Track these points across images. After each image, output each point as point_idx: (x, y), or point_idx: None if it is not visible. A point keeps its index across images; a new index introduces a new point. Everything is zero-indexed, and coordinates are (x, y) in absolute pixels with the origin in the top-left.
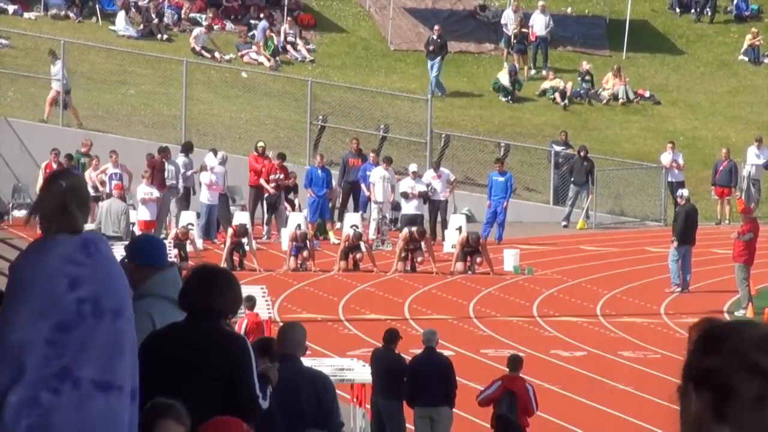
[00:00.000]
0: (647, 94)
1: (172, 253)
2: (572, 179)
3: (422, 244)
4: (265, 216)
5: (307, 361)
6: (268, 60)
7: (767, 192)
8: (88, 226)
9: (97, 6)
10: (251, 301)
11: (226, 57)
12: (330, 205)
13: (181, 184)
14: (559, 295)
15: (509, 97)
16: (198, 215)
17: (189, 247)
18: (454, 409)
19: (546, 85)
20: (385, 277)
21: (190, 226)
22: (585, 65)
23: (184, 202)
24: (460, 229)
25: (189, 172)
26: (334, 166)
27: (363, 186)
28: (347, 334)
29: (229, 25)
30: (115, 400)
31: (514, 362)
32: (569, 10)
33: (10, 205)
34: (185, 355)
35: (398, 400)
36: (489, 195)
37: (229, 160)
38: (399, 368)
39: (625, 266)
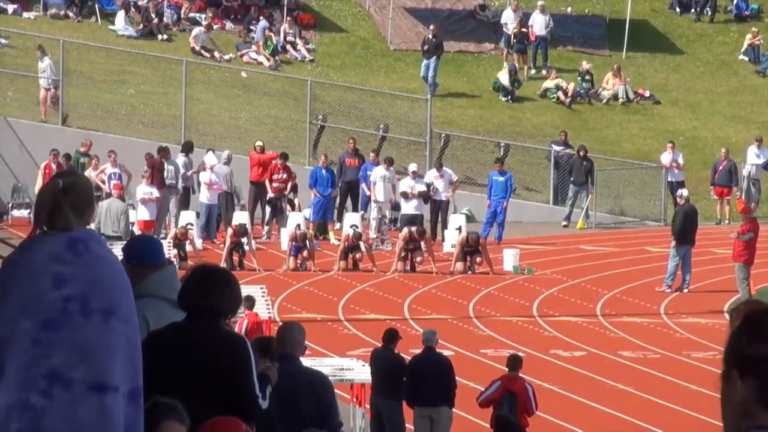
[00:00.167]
0: (647, 93)
1: (172, 253)
2: (572, 179)
3: (422, 244)
4: (266, 216)
5: (306, 361)
6: (268, 60)
7: (767, 192)
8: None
9: (96, 5)
10: (250, 301)
11: (226, 57)
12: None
13: (180, 184)
14: (558, 295)
15: (509, 97)
16: (197, 215)
17: (188, 247)
18: (453, 409)
19: (549, 84)
20: (385, 277)
21: (189, 226)
22: (585, 65)
23: (184, 202)
24: (459, 229)
25: (189, 172)
26: (332, 165)
27: (364, 186)
28: (347, 334)
29: (228, 25)
30: (110, 402)
31: (514, 362)
32: (569, 9)
33: (10, 205)
34: (185, 355)
35: (398, 400)
36: (489, 195)
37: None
38: (398, 368)
39: (625, 266)
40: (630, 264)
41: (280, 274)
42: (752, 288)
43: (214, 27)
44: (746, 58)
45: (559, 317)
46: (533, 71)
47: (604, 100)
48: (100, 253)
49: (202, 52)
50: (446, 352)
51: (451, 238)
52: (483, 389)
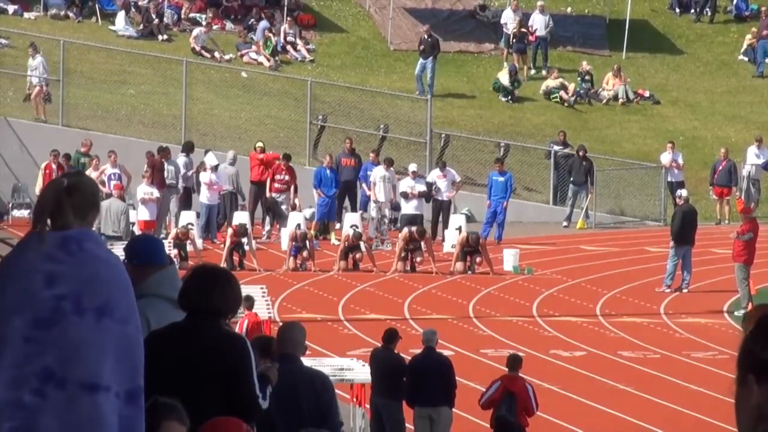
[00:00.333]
0: (647, 93)
1: (173, 253)
2: (571, 179)
3: (422, 244)
4: (267, 217)
5: (306, 361)
6: (268, 60)
7: (767, 192)
8: None
9: (96, 6)
10: (249, 301)
11: (226, 57)
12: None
13: (181, 184)
14: (558, 295)
15: (509, 97)
16: (198, 215)
17: (189, 247)
18: (453, 409)
19: (551, 83)
20: (385, 277)
21: (190, 226)
22: (585, 65)
23: (186, 202)
24: (459, 229)
25: (189, 172)
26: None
27: (364, 185)
28: (347, 334)
29: (228, 25)
30: (102, 401)
31: (514, 362)
32: (569, 9)
33: (10, 205)
34: (185, 355)
35: (398, 400)
36: (489, 195)
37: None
38: (398, 368)
39: (625, 266)
40: (630, 264)
41: (280, 274)
42: (752, 288)
43: (214, 27)
44: (746, 59)
45: (559, 317)
46: (533, 71)
47: (604, 100)
48: (96, 253)
49: (203, 52)
50: (446, 352)
51: (451, 238)
52: (484, 391)
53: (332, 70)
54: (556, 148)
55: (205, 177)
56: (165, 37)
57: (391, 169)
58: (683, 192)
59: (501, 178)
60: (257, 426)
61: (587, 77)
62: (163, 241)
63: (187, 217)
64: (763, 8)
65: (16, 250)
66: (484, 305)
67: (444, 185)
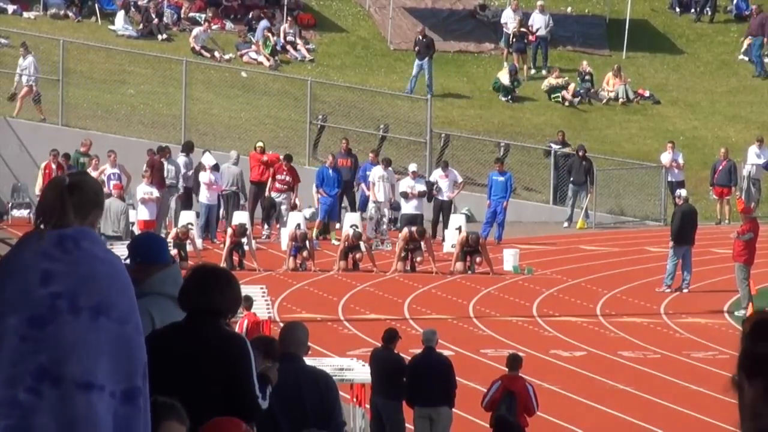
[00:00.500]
0: (647, 93)
1: (172, 253)
2: (571, 179)
3: (422, 244)
4: (268, 218)
5: (307, 361)
6: (268, 60)
7: (767, 192)
8: None
9: (96, 5)
10: (248, 301)
11: (226, 57)
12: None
13: (181, 184)
14: (558, 295)
15: (509, 97)
16: (197, 215)
17: (189, 247)
18: (453, 409)
19: (553, 82)
20: (385, 277)
21: (189, 226)
22: (585, 65)
23: (185, 202)
24: (459, 229)
25: (189, 172)
26: None
27: (363, 186)
28: (347, 334)
29: (228, 25)
30: (96, 401)
31: (514, 361)
32: (569, 9)
33: (10, 205)
34: (185, 355)
35: (398, 400)
36: (489, 195)
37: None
38: (398, 368)
39: (625, 266)
40: (630, 264)
41: (280, 274)
42: (752, 288)
43: (214, 27)
44: (746, 58)
45: (559, 317)
46: (533, 71)
47: (604, 100)
48: (93, 252)
49: (202, 52)
50: (446, 352)
51: (451, 238)
52: (485, 392)
53: (332, 69)
54: (555, 147)
55: (204, 177)
56: (165, 36)
57: (390, 168)
58: (682, 192)
59: (501, 178)
60: (260, 426)
61: (587, 77)
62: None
63: (187, 217)
64: (753, 7)
65: (15, 249)
66: (484, 305)
67: (446, 185)
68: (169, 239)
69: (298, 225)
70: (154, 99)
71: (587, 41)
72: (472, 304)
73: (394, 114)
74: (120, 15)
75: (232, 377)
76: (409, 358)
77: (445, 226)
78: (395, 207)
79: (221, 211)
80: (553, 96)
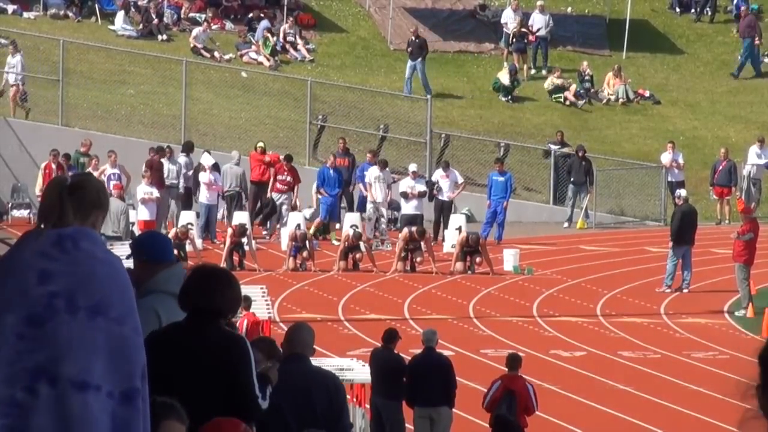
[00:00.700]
0: (647, 93)
1: None
2: (571, 179)
3: (422, 244)
4: (266, 218)
5: None
6: (268, 60)
7: (767, 192)
8: None
9: (96, 6)
10: (247, 301)
11: (226, 57)
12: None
13: (182, 184)
14: (558, 295)
15: (509, 97)
16: (197, 215)
17: (189, 247)
18: (453, 409)
19: (557, 81)
20: (385, 277)
21: (189, 226)
22: (585, 65)
23: (186, 202)
24: (459, 229)
25: (189, 173)
26: None
27: (361, 186)
28: (347, 334)
29: (228, 25)
30: (92, 400)
31: (513, 361)
32: (569, 9)
33: (9, 205)
34: (185, 355)
35: (398, 400)
36: (489, 195)
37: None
38: (398, 368)
39: (625, 266)
40: (630, 264)
41: (280, 274)
42: (752, 288)
43: (214, 27)
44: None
45: (559, 317)
46: (533, 71)
47: (604, 100)
48: (91, 252)
49: (202, 52)
50: (446, 352)
51: (451, 238)
52: (485, 392)
53: (332, 70)
54: (554, 148)
55: (204, 177)
56: (164, 37)
57: (387, 169)
58: (682, 192)
59: (501, 178)
60: (269, 427)
61: (587, 77)
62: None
63: (187, 217)
64: (743, 8)
65: (14, 248)
66: (484, 305)
67: (446, 185)
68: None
69: (298, 225)
70: (154, 99)
71: (587, 41)
72: (472, 304)
73: (394, 114)
74: (120, 15)
75: (232, 377)
76: (409, 358)
77: (445, 226)
78: (395, 207)
79: (222, 211)
80: (555, 96)
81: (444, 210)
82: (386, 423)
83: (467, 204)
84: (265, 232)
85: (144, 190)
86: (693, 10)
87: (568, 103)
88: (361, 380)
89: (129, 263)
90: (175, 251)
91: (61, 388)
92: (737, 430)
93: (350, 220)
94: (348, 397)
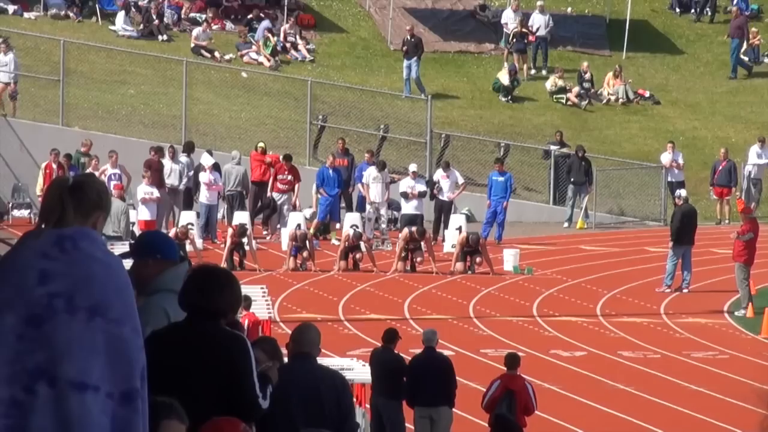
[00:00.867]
0: (647, 94)
1: None
2: (571, 179)
3: (422, 244)
4: (265, 212)
5: None
6: (268, 60)
7: (767, 192)
8: None
9: (97, 6)
10: (247, 301)
11: (226, 57)
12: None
13: (184, 184)
14: (559, 295)
15: (509, 97)
16: (198, 215)
17: (189, 247)
18: (453, 409)
19: (560, 83)
20: (385, 277)
21: (189, 226)
22: (585, 65)
23: (186, 202)
24: (459, 229)
25: (190, 173)
26: None
27: (359, 186)
28: (347, 334)
29: (229, 25)
30: (90, 401)
31: (512, 360)
32: (569, 9)
33: (10, 205)
34: (185, 355)
35: (398, 400)
36: (489, 195)
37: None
38: (398, 368)
39: (625, 266)
40: (630, 264)
41: (280, 274)
42: (752, 288)
43: (214, 27)
44: (746, 59)
45: (559, 317)
46: (533, 71)
47: (604, 101)
48: (91, 252)
49: (203, 52)
50: (446, 352)
51: (451, 238)
52: (484, 392)
53: (332, 70)
54: (554, 148)
55: (204, 177)
56: (165, 37)
57: (385, 170)
58: (682, 192)
59: (501, 178)
60: (278, 424)
61: (587, 77)
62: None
63: (187, 217)
64: (733, 8)
65: (14, 248)
66: (484, 305)
67: (447, 185)
68: None
69: (299, 225)
70: (154, 99)
71: (587, 41)
72: (472, 304)
73: (395, 114)
74: (120, 15)
75: (233, 377)
76: (410, 358)
77: (446, 226)
78: (395, 207)
79: (223, 211)
80: (557, 97)
81: (444, 210)
82: (386, 423)
83: (467, 204)
84: (265, 232)
85: (144, 190)
86: (693, 11)
87: (569, 103)
88: (361, 380)
89: (128, 264)
90: None
91: (60, 389)
92: None
93: (350, 220)
94: None
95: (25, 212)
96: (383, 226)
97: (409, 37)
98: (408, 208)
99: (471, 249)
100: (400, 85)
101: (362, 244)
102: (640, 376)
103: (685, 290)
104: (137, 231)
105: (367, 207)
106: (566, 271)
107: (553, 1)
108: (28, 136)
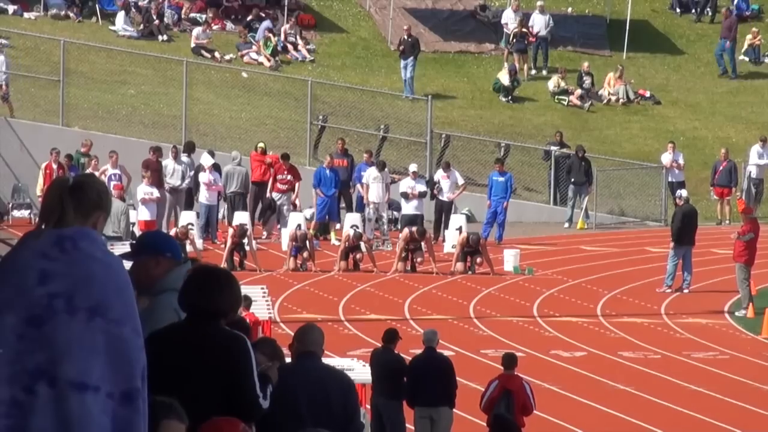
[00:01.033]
0: (647, 94)
1: None
2: (572, 180)
3: (422, 244)
4: (269, 217)
5: None
6: (268, 60)
7: (767, 192)
8: None
9: (97, 6)
10: (247, 301)
11: (227, 57)
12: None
13: (186, 184)
14: (559, 296)
15: (509, 98)
16: (198, 215)
17: (189, 247)
18: (454, 410)
19: (562, 84)
20: (386, 277)
21: (190, 227)
22: (585, 65)
23: (187, 202)
24: (460, 229)
25: (191, 173)
26: None
27: (359, 187)
28: (347, 334)
29: (229, 25)
30: (90, 401)
31: (509, 360)
32: (569, 9)
33: (10, 206)
34: (185, 355)
35: (398, 400)
36: (489, 195)
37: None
38: (399, 368)
39: (626, 266)
40: (630, 264)
41: (280, 274)
42: (752, 288)
43: (214, 27)
44: (746, 59)
45: (560, 317)
46: (533, 71)
47: (605, 101)
48: (91, 252)
49: (203, 52)
50: (447, 353)
51: (452, 238)
52: (482, 393)
53: (332, 70)
54: (554, 148)
55: (203, 177)
56: (165, 37)
57: (385, 170)
58: (683, 192)
59: (501, 179)
60: (288, 427)
61: (586, 78)
62: None
63: (188, 217)
64: (723, 9)
65: (14, 248)
66: (484, 305)
67: (447, 186)
68: None
69: (299, 225)
70: (154, 99)
71: (588, 42)
72: (472, 304)
73: (395, 114)
74: (120, 15)
75: (233, 376)
76: (410, 358)
77: (446, 226)
78: (396, 207)
79: (223, 211)
80: (558, 97)
81: (444, 210)
82: (387, 423)
83: (467, 204)
84: (264, 233)
85: (144, 190)
86: (693, 11)
87: (571, 105)
88: (361, 380)
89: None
90: None
91: (60, 389)
92: None
93: (351, 220)
94: None
95: (25, 212)
96: (384, 226)
97: (406, 37)
98: (408, 208)
99: (471, 249)
100: (400, 85)
101: (362, 245)
102: (641, 377)
103: (685, 290)
104: (137, 231)
105: (366, 207)
106: (567, 272)
107: (554, 1)
108: (28, 136)
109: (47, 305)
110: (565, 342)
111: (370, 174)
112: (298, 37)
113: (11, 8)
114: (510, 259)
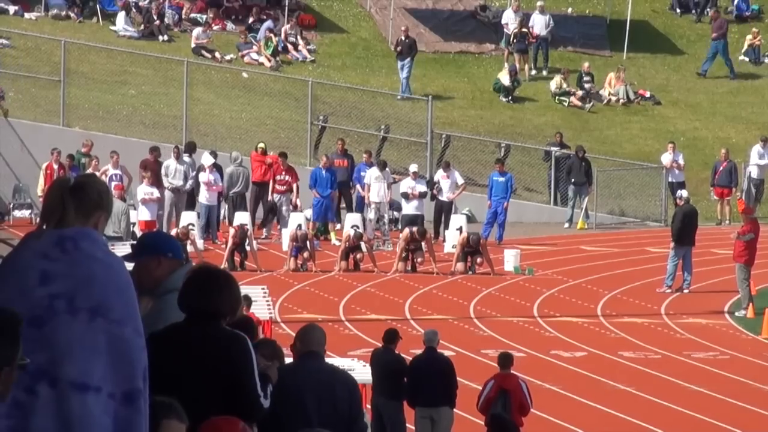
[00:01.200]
0: (648, 94)
1: None
2: (572, 180)
3: (423, 244)
4: (268, 217)
5: None
6: (269, 60)
7: (767, 192)
8: None
9: (97, 6)
10: (248, 301)
11: (227, 57)
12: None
13: (189, 185)
14: (559, 296)
15: (510, 98)
16: (198, 216)
17: (189, 248)
18: (454, 410)
19: (563, 85)
20: (386, 277)
21: (190, 227)
22: (585, 65)
23: (188, 202)
24: (460, 229)
25: (192, 173)
26: None
27: (358, 187)
28: (348, 334)
29: (229, 26)
30: (92, 402)
31: (505, 360)
32: (570, 10)
33: (11, 206)
34: (185, 355)
35: (398, 400)
36: (489, 195)
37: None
38: (399, 369)
39: (626, 267)
40: (631, 264)
41: (281, 274)
42: (752, 288)
43: (215, 28)
44: (747, 59)
45: (560, 318)
46: (534, 72)
47: (605, 101)
48: (91, 253)
49: (203, 52)
50: (447, 353)
51: (452, 238)
52: (479, 393)
53: (333, 70)
54: (554, 148)
55: (203, 177)
56: (166, 37)
57: (386, 170)
58: (683, 192)
59: (501, 179)
60: (294, 424)
61: (586, 78)
62: None
63: (188, 217)
64: (711, 11)
65: (15, 249)
66: (484, 306)
67: (447, 186)
68: None
69: (299, 225)
70: (155, 100)
71: (588, 42)
72: (472, 304)
73: (395, 114)
74: (121, 16)
75: (233, 376)
76: (410, 358)
77: (446, 226)
78: (396, 207)
79: (224, 211)
80: (559, 98)
81: (444, 210)
82: (387, 423)
83: (468, 204)
84: (264, 233)
85: (144, 190)
86: (693, 11)
87: (572, 105)
88: (361, 381)
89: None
90: None
91: (61, 390)
92: None
93: (351, 220)
94: None
95: (26, 213)
96: (385, 226)
97: (403, 38)
98: (408, 208)
99: (472, 249)
100: (400, 85)
101: (363, 245)
102: (641, 377)
103: (685, 291)
104: (138, 231)
105: (368, 207)
106: (567, 272)
107: (554, 2)
108: (28, 136)
109: (48, 306)
110: (566, 342)
111: (372, 174)
112: (298, 37)
113: (12, 8)
114: (510, 259)
